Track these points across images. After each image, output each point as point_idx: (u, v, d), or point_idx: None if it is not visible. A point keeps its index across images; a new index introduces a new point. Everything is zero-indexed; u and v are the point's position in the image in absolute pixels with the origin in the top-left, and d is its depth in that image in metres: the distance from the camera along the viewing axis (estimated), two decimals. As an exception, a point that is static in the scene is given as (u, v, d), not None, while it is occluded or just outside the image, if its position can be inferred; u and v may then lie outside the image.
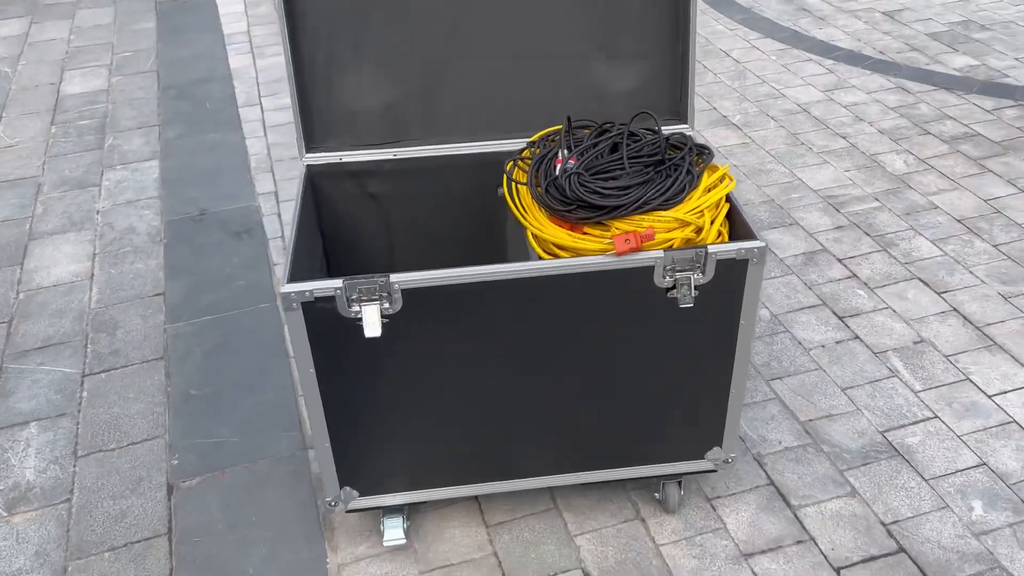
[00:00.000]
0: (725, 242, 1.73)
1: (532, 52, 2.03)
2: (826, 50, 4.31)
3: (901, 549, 1.99)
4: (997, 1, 4.76)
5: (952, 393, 2.38)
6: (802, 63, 4.20)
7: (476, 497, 2.14)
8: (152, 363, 2.60)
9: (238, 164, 3.58)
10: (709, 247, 1.67)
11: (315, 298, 1.64)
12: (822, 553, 1.99)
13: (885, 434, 2.27)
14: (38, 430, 2.39)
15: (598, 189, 1.68)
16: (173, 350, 2.64)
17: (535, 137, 1.97)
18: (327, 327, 1.67)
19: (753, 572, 1.96)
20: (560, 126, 2.03)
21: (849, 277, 2.82)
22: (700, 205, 1.71)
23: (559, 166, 1.79)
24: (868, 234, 3.01)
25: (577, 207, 1.70)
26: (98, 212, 3.32)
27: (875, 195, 3.21)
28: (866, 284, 2.78)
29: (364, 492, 1.93)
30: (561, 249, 1.74)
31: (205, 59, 4.51)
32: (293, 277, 1.67)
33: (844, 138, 3.58)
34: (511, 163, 1.91)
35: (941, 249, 2.92)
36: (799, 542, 2.02)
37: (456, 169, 2.09)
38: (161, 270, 2.99)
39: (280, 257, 3.03)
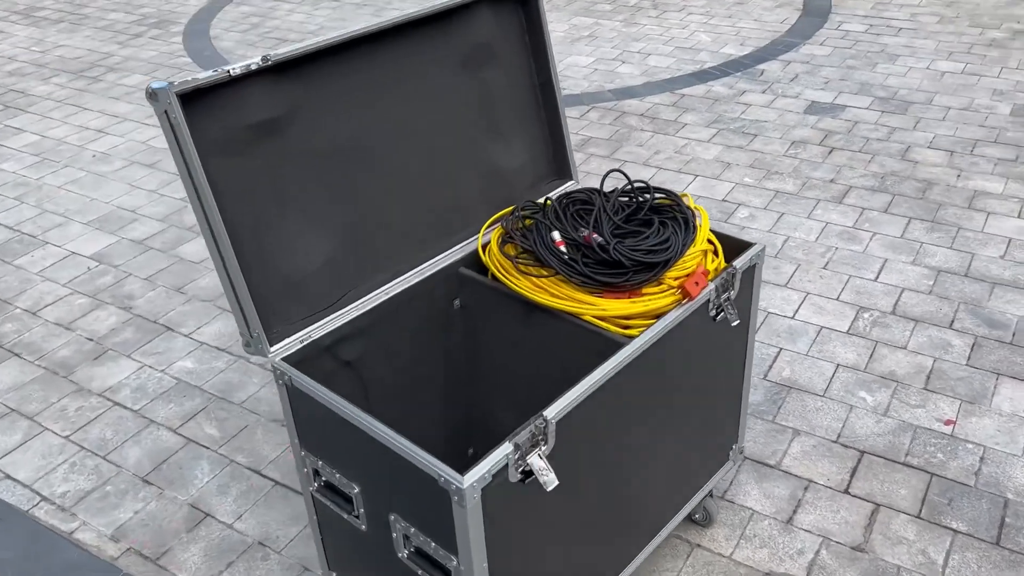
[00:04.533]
0: (719, 255, 1.89)
1: (433, 161, 1.91)
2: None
3: (861, 452, 2.39)
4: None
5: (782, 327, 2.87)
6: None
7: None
8: None
9: None
10: (735, 264, 1.82)
11: (492, 476, 1.38)
12: (825, 486, 2.29)
13: (762, 380, 2.66)
14: None
15: (648, 249, 1.71)
16: None
17: (483, 234, 1.87)
18: (500, 504, 1.42)
19: (803, 529, 2.17)
20: (496, 215, 1.97)
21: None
22: (706, 234, 1.83)
23: (587, 242, 1.75)
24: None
25: (632, 273, 1.70)
26: None
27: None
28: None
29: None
30: (629, 319, 1.71)
31: None
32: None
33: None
34: (491, 272, 1.80)
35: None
36: (806, 488, 2.28)
37: (407, 302, 1.86)
38: None
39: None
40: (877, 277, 3.08)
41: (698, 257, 1.79)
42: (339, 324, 1.72)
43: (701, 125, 4.26)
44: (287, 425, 1.71)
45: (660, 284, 1.74)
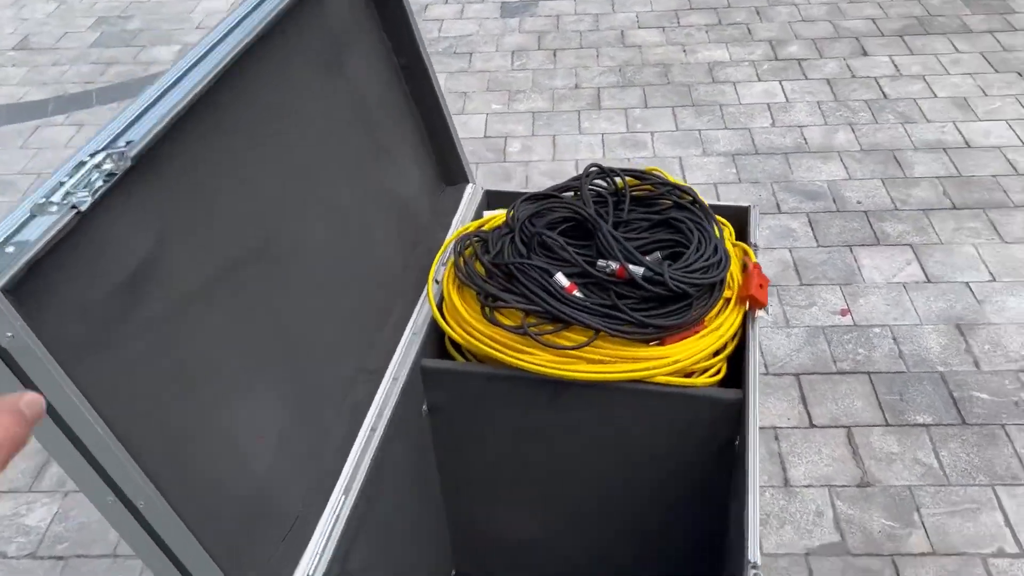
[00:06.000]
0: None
1: (340, 220, 1.26)
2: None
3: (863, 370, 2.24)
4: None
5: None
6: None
7: None
8: None
9: None
10: (754, 240, 1.45)
11: None
12: (791, 427, 2.10)
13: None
14: None
15: (704, 267, 1.27)
16: None
17: (431, 298, 1.29)
18: None
19: (804, 486, 1.97)
20: (431, 270, 1.39)
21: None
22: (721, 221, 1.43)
23: (620, 276, 1.26)
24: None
25: (695, 300, 1.26)
26: None
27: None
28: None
29: None
30: (696, 366, 1.28)
31: None
32: None
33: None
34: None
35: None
36: (776, 437, 2.08)
37: (387, 445, 1.23)
38: None
39: None
40: (685, 178, 2.92)
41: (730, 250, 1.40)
42: (335, 542, 1.07)
43: (407, 55, 3.73)
44: None
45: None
